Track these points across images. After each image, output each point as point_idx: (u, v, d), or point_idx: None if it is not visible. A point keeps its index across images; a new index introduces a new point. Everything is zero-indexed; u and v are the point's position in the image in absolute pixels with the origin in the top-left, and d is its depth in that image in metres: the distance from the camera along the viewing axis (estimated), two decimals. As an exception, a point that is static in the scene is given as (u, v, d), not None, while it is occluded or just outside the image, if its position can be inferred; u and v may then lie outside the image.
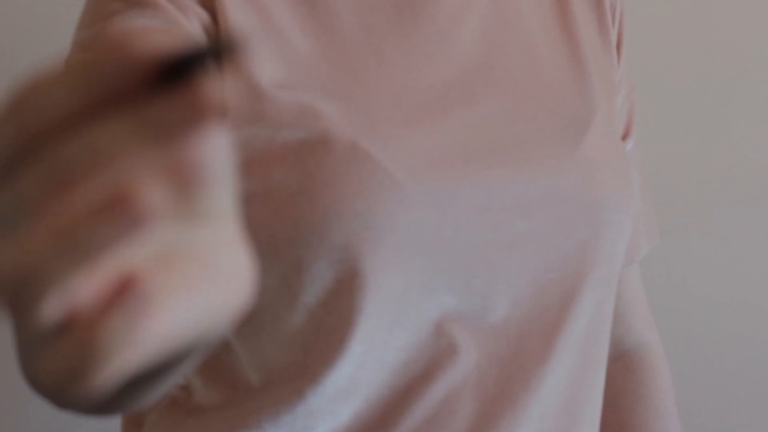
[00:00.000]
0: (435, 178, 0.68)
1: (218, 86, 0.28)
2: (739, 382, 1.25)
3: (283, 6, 0.72)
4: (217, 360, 0.73)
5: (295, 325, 0.68)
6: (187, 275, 0.31)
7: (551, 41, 0.79)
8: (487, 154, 0.71)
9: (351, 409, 0.69)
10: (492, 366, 0.71)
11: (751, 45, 1.24)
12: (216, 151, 0.30)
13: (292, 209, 0.66)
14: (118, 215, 0.28)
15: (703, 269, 1.24)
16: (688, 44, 1.23)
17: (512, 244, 0.71)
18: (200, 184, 0.30)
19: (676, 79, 1.23)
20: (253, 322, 0.70)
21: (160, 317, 0.30)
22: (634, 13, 1.15)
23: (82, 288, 0.29)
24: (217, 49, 0.28)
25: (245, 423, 0.70)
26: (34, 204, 0.29)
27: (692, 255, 1.24)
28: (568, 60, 0.79)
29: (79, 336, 0.29)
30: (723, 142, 1.24)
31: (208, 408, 0.74)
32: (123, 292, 0.29)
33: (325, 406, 0.69)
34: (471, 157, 0.70)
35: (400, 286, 0.67)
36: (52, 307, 0.29)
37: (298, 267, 0.66)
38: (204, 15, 0.70)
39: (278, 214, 0.66)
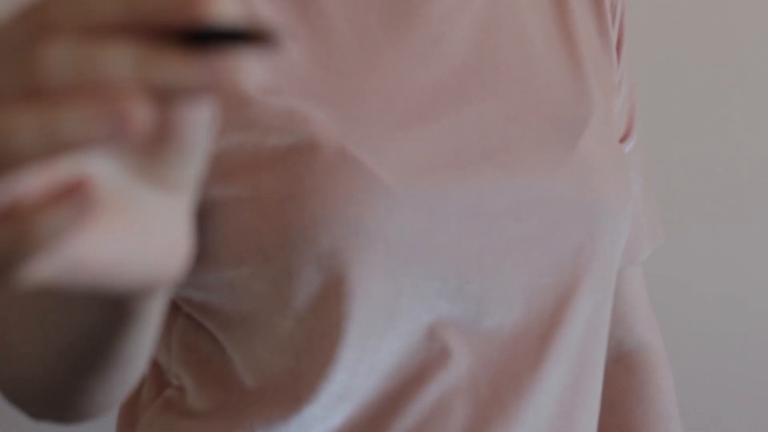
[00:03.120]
0: (426, 182, 0.67)
1: (239, 71, 0.29)
2: (738, 382, 1.24)
3: (273, 10, 0.71)
4: (209, 363, 0.73)
5: (287, 330, 0.68)
6: (124, 220, 0.32)
7: (548, 41, 0.78)
8: (479, 157, 0.70)
9: (343, 414, 0.69)
10: (485, 371, 0.71)
11: (752, 44, 1.23)
12: (201, 126, 0.31)
13: (281, 215, 0.65)
14: (108, 114, 0.28)
15: (702, 269, 1.24)
16: (688, 43, 1.22)
17: (506, 249, 0.70)
18: (178, 148, 0.31)
19: (676, 79, 1.22)
20: (245, 325, 0.70)
21: (90, 238, 0.31)
22: (634, 13, 1.14)
23: (39, 176, 0.29)
24: (256, 36, 0.30)
25: (237, 427, 0.70)
26: (28, 85, 0.29)
27: (691, 254, 1.23)
28: (566, 60, 0.78)
29: (17, 220, 0.29)
30: (723, 142, 1.23)
31: (201, 411, 0.73)
32: (71, 192, 0.29)
33: (318, 413, 0.68)
34: (463, 160, 0.69)
35: (390, 292, 0.67)
36: (4, 187, 0.29)
37: (287, 272, 0.66)
38: None
39: (267, 219, 0.66)
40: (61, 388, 0.56)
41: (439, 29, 0.74)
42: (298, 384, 0.68)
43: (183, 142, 0.31)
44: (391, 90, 0.70)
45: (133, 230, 0.33)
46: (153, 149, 0.32)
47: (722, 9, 1.22)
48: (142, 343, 0.50)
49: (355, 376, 0.68)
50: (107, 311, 0.45)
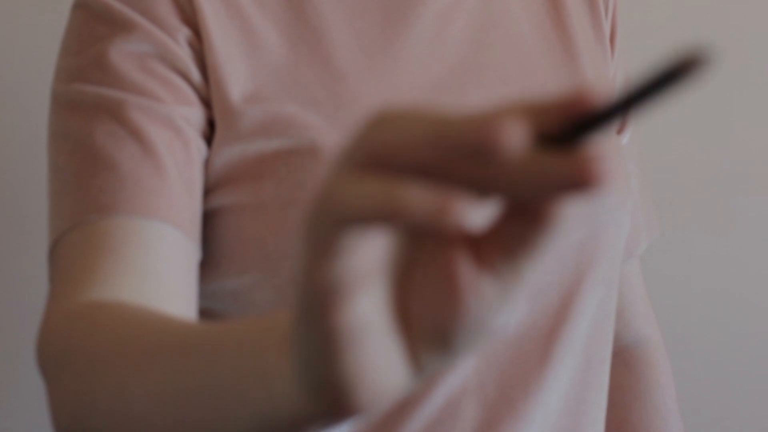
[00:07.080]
0: None
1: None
2: (739, 381, 1.24)
3: (267, 16, 0.71)
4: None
5: None
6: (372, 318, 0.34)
7: (543, 36, 0.78)
8: None
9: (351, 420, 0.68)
10: (491, 370, 0.70)
11: (753, 44, 1.23)
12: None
13: (283, 221, 0.65)
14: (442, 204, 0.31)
15: (703, 267, 1.24)
16: (689, 42, 1.22)
17: None
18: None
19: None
20: None
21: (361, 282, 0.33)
22: (634, 12, 1.14)
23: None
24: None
25: None
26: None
27: (692, 252, 1.23)
28: (561, 56, 0.78)
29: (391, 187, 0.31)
30: (724, 140, 1.23)
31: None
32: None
33: None
34: None
35: None
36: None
37: (291, 280, 0.65)
38: (188, 32, 0.69)
39: (269, 226, 0.66)
40: None
41: (433, 28, 0.73)
42: None
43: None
44: (389, 90, 0.70)
45: (370, 330, 0.34)
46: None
47: (722, 6, 1.22)
48: None
49: None
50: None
